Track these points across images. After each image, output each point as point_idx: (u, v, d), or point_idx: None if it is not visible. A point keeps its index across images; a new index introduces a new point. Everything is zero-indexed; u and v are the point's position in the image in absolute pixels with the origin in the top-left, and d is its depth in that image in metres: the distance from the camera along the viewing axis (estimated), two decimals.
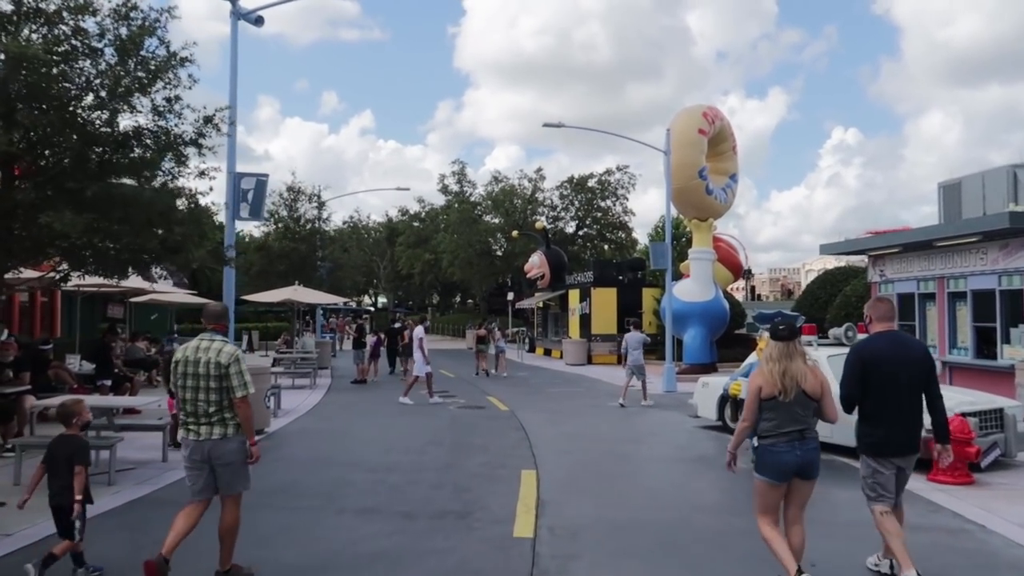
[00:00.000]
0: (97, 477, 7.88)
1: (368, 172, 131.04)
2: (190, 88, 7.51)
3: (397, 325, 23.45)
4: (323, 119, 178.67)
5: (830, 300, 22.47)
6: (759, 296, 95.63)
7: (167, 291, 20.74)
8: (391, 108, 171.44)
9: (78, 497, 4.71)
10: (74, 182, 6.65)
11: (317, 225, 27.70)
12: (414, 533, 6.12)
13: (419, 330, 15.66)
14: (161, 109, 7.30)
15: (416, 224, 56.82)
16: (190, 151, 7.64)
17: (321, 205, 27.49)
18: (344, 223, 61.01)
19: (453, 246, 46.80)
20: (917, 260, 16.25)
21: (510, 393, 17.41)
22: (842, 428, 9.50)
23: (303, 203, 27.27)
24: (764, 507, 4.63)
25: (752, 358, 10.40)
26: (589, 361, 27.26)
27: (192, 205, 7.88)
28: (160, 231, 7.57)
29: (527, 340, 37.43)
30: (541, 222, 40.17)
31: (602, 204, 49.49)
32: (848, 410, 4.96)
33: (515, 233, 42.47)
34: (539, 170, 54.32)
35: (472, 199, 50.09)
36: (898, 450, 4.83)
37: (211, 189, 8.25)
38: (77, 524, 4.68)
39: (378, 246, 60.70)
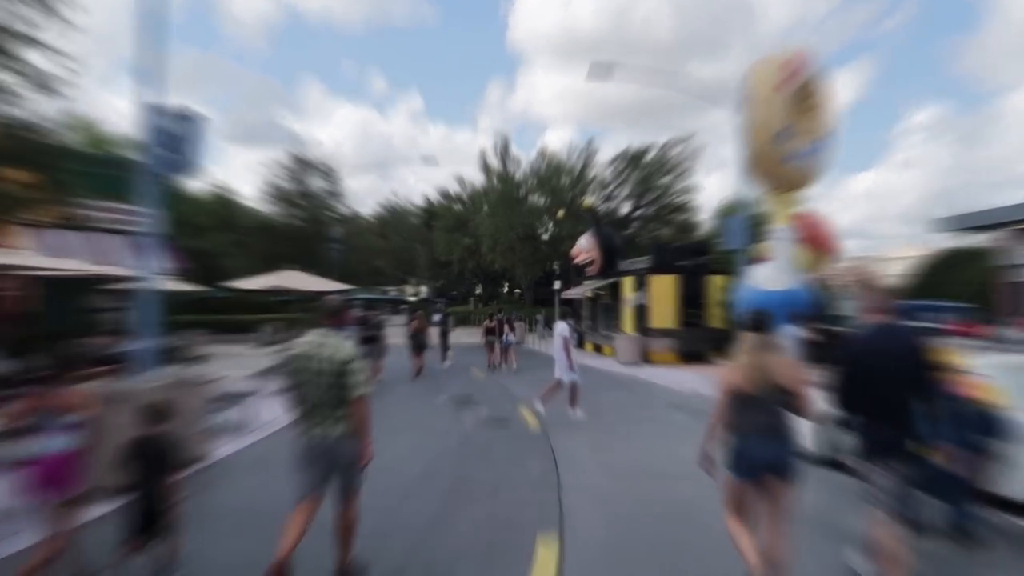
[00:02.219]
0: None
1: (417, 155, 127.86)
2: None
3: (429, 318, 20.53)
4: (372, 101, 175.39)
5: (938, 287, 18.41)
6: None
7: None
8: (441, 89, 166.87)
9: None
10: None
11: (330, 201, 24.49)
12: None
13: (563, 327, 12.79)
14: None
15: (456, 207, 53.13)
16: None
17: (334, 181, 24.33)
18: (382, 206, 57.97)
19: (493, 229, 43.00)
20: None
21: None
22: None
23: (312, 176, 24.08)
24: (731, 501, 4.49)
25: None
26: (645, 360, 23.54)
27: None
28: None
29: (575, 335, 33.79)
30: (588, 200, 36.18)
31: (660, 182, 45.24)
32: (841, 408, 4.82)
33: (560, 213, 38.64)
34: (591, 141, 50.15)
35: (516, 178, 46.26)
36: (889, 453, 4.39)
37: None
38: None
39: (417, 232, 57.40)
